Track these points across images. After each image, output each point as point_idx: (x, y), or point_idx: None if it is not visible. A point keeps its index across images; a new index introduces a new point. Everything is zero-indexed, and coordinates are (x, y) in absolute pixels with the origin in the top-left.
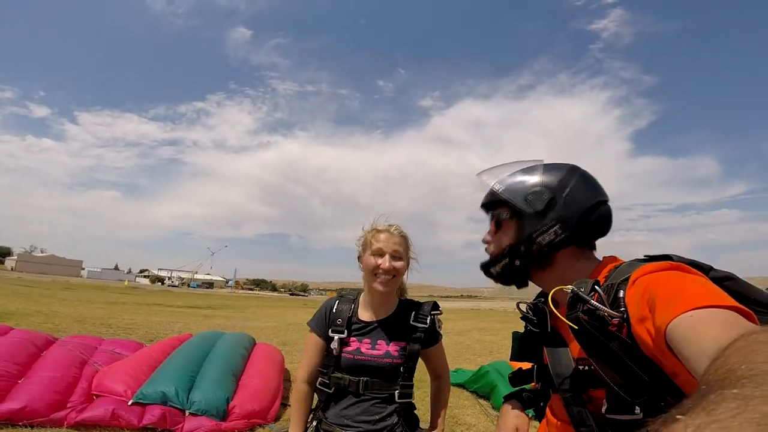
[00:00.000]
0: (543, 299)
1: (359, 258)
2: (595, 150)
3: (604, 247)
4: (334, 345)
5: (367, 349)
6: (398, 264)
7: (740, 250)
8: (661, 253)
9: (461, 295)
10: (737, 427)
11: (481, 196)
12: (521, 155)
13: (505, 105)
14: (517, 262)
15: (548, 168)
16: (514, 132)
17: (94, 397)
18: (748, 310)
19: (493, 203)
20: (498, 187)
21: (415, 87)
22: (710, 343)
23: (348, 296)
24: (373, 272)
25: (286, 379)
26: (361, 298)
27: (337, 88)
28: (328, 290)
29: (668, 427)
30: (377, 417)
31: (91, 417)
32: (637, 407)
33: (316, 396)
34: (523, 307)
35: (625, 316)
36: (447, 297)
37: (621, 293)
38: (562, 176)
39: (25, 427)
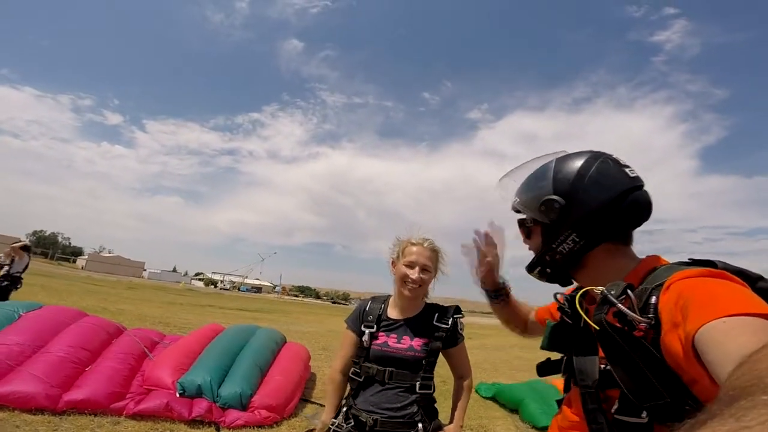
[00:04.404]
0: (578, 292)
1: (392, 263)
2: (659, 167)
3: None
4: (365, 338)
5: (393, 342)
6: (425, 276)
7: None
8: (706, 259)
9: None
10: None
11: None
12: None
13: (559, 117)
14: (548, 270)
15: (560, 167)
16: (569, 145)
17: (147, 390)
18: None
19: (517, 210)
20: (516, 200)
21: (461, 99)
22: (737, 348)
23: (380, 297)
24: (403, 280)
25: (310, 379)
26: (391, 300)
27: (383, 101)
28: None
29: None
30: (399, 405)
31: (148, 408)
32: (644, 412)
33: (349, 385)
34: (560, 297)
35: (653, 322)
36: (488, 313)
37: (653, 299)
38: (574, 177)
39: (89, 414)
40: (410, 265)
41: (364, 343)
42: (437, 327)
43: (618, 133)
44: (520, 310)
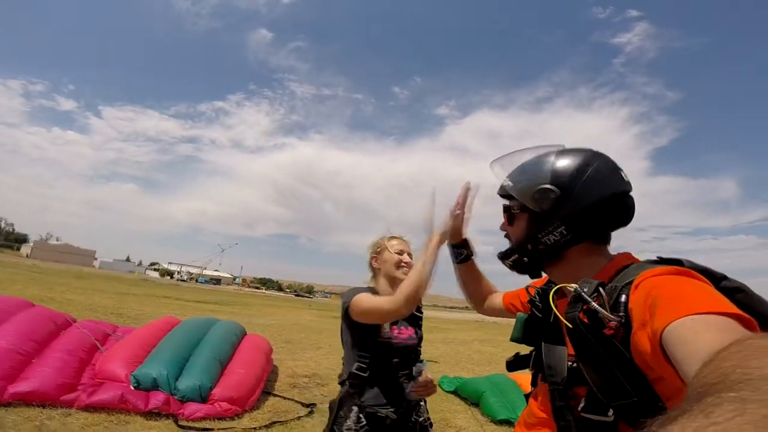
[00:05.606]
0: (551, 286)
1: (375, 259)
2: None
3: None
4: (385, 331)
5: (396, 333)
6: (412, 261)
7: (756, 276)
8: (673, 257)
9: (466, 307)
10: (736, 429)
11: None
12: None
13: (521, 116)
14: (526, 259)
15: (560, 160)
16: (530, 144)
17: (99, 383)
18: (751, 318)
19: (505, 194)
20: (508, 184)
21: (430, 95)
22: (704, 346)
23: (364, 290)
24: (397, 265)
25: (272, 372)
26: (380, 292)
27: (353, 93)
28: (334, 293)
29: (665, 428)
30: (405, 392)
31: (101, 400)
32: (610, 410)
33: (347, 385)
34: (531, 290)
35: (623, 320)
36: (452, 308)
37: (623, 297)
38: (573, 171)
39: (37, 406)
40: (400, 252)
41: (379, 337)
42: (416, 315)
43: (577, 133)
44: (482, 281)
